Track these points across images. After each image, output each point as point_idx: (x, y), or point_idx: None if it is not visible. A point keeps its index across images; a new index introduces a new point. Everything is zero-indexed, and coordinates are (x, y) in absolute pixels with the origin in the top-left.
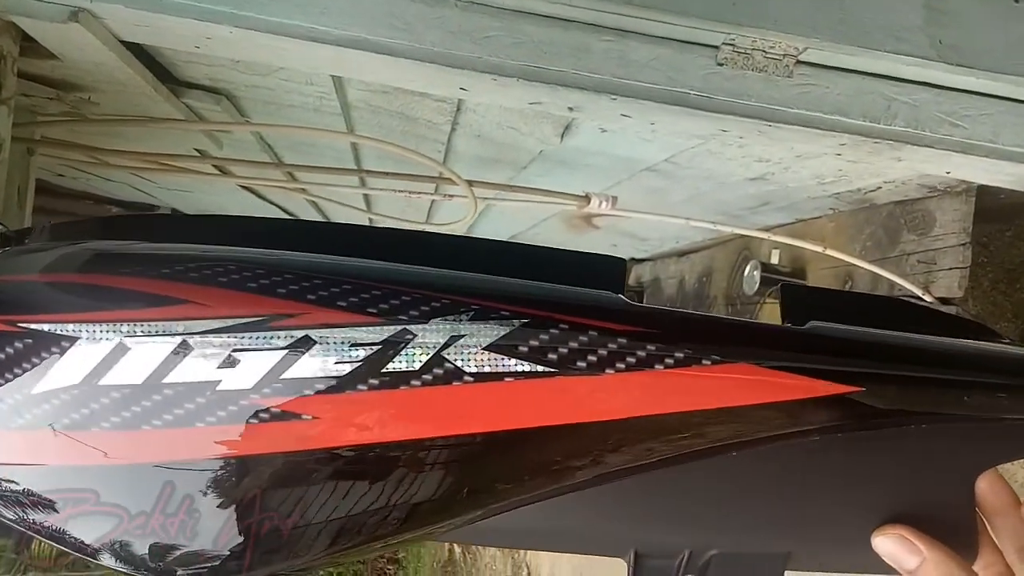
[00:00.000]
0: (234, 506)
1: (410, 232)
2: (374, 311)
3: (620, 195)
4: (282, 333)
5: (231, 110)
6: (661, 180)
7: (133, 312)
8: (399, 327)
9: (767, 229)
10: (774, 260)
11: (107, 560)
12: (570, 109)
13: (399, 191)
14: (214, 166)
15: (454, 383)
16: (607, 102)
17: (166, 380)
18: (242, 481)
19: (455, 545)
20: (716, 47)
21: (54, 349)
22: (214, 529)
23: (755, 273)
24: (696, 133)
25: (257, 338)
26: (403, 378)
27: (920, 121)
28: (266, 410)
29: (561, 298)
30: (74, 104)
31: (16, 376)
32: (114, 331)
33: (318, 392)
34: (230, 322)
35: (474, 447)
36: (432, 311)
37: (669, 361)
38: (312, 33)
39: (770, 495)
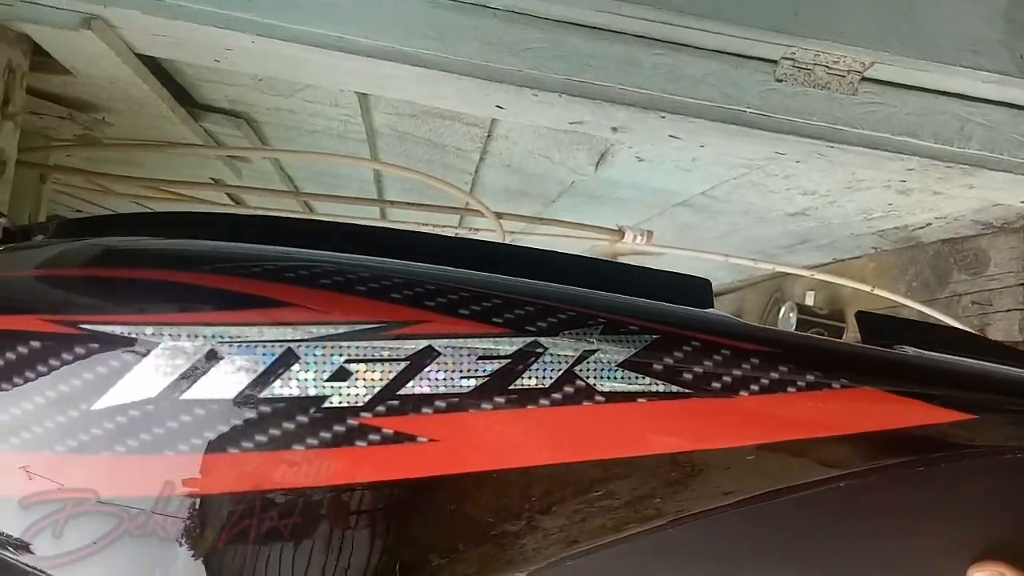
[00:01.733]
0: (332, 543)
1: (500, 244)
2: (500, 321)
3: (652, 231)
4: (401, 343)
5: (251, 136)
6: (695, 215)
7: (226, 314)
8: (529, 339)
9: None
10: (809, 301)
11: None
12: (614, 130)
13: (422, 224)
14: (228, 195)
15: (584, 403)
16: (655, 121)
17: (264, 395)
18: (344, 514)
19: None
20: (775, 61)
21: (126, 356)
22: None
23: (791, 315)
24: (749, 156)
25: (373, 348)
26: (532, 396)
27: (997, 144)
28: (378, 431)
29: (683, 315)
30: (87, 125)
31: (74, 388)
32: (202, 336)
33: (438, 411)
34: (342, 328)
35: (603, 475)
36: (560, 323)
37: (801, 384)
38: (340, 43)
39: (874, 528)
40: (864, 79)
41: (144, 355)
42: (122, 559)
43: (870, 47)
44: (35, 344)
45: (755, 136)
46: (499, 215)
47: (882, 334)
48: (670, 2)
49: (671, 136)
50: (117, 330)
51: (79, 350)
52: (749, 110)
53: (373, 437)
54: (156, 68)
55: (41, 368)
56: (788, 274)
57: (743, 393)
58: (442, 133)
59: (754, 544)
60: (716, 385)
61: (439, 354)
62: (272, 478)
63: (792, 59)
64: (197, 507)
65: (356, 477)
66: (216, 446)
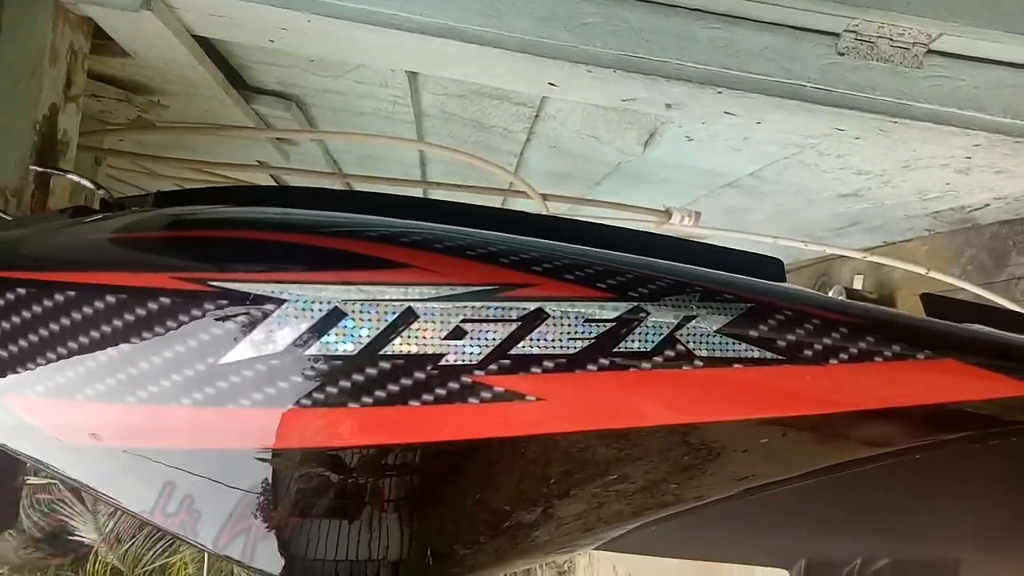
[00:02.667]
0: (436, 497)
1: (576, 220)
2: (604, 286)
3: (699, 212)
4: (514, 304)
5: (300, 118)
6: (743, 197)
7: (350, 274)
8: (633, 304)
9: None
10: (857, 285)
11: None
12: (668, 107)
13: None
14: (272, 177)
15: (684, 367)
16: (711, 97)
17: (384, 351)
18: (454, 470)
19: None
20: (836, 34)
21: (253, 312)
22: (409, 521)
23: (840, 299)
24: (807, 133)
25: (488, 308)
26: (634, 359)
27: None
28: (489, 389)
29: (771, 287)
30: (143, 107)
31: (201, 343)
32: (330, 293)
33: (546, 371)
34: (459, 290)
35: (698, 437)
36: (660, 289)
37: (887, 354)
38: (395, 20)
39: (950, 500)
40: (930, 51)
41: (271, 312)
42: (244, 509)
43: (937, 18)
44: (164, 301)
45: (814, 111)
46: (544, 196)
47: (947, 315)
48: None
49: (726, 113)
50: (245, 288)
51: (207, 306)
52: (809, 85)
53: (484, 395)
54: (209, 50)
55: (170, 324)
56: (835, 257)
57: (833, 361)
58: (490, 113)
59: (830, 513)
60: (808, 353)
61: (548, 316)
62: (389, 433)
63: (855, 31)
64: (316, 460)
65: (468, 433)
66: (336, 401)
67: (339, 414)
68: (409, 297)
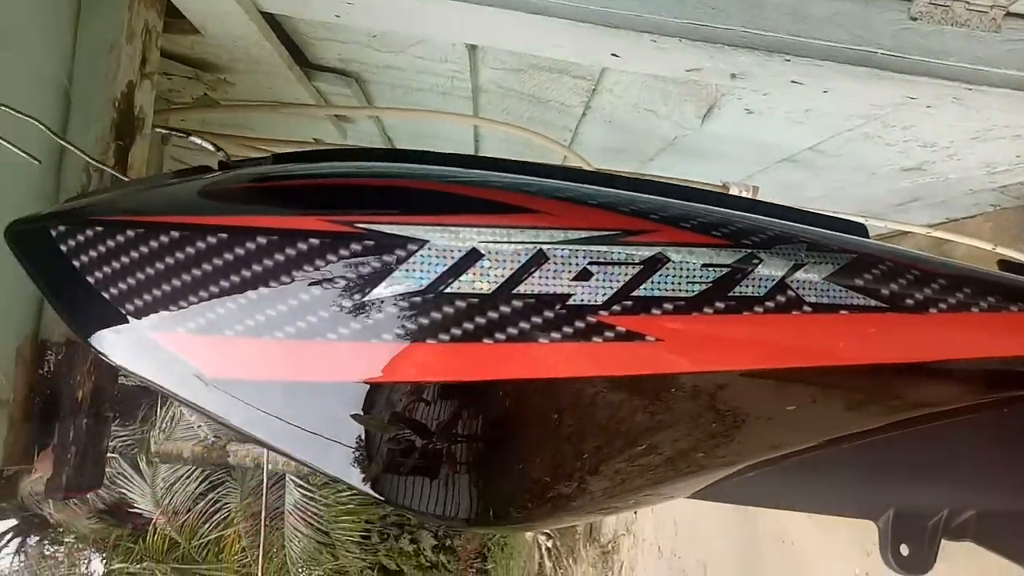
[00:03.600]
0: (564, 431)
1: (667, 183)
2: (719, 234)
3: (757, 186)
4: (637, 248)
5: (360, 95)
6: (799, 172)
7: (486, 218)
8: (747, 251)
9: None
10: None
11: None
12: (732, 76)
13: None
14: None
15: (794, 312)
16: (779, 65)
17: (517, 291)
18: (576, 405)
19: (545, 558)
20: None
21: (398, 252)
22: (535, 452)
23: (929, 255)
24: (876, 102)
25: (613, 252)
26: (747, 303)
27: None
28: (612, 328)
29: (868, 242)
30: (211, 84)
31: (347, 281)
32: (466, 235)
33: (665, 313)
34: (584, 234)
35: (803, 381)
36: (771, 239)
37: (983, 305)
38: None
39: None
40: (1009, 14)
41: (414, 252)
42: (375, 439)
43: None
44: (313, 241)
45: (885, 79)
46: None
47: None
48: None
49: (793, 82)
50: (390, 229)
51: (354, 246)
52: (880, 51)
53: (608, 334)
54: (275, 27)
55: (318, 262)
56: (894, 234)
57: (932, 311)
58: (547, 88)
59: (919, 465)
60: (909, 302)
61: (669, 260)
62: (518, 368)
63: None
64: (446, 392)
65: (592, 371)
66: (471, 337)
67: (473, 349)
68: (540, 240)
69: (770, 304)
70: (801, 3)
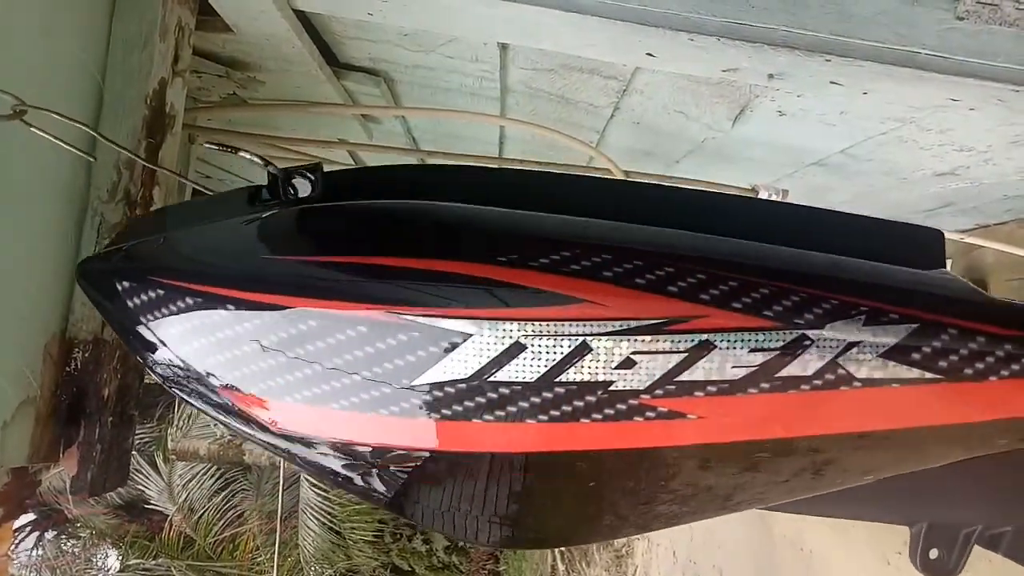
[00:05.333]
0: (607, 496)
1: (708, 193)
2: (770, 314)
3: (787, 189)
4: (682, 336)
5: (388, 95)
6: (829, 176)
7: (530, 311)
8: (798, 332)
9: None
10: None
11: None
12: (770, 77)
13: None
14: (349, 153)
15: (841, 388)
16: (819, 65)
17: (559, 379)
18: (615, 475)
19: (558, 561)
20: None
21: (442, 343)
22: (585, 520)
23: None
24: (916, 104)
25: (657, 341)
26: (794, 382)
27: None
28: (653, 409)
29: (940, 295)
30: (241, 83)
31: (400, 365)
32: (511, 329)
33: (708, 394)
34: (631, 324)
35: (841, 446)
36: (825, 313)
37: None
38: None
39: None
40: None
41: (458, 344)
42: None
43: None
44: (362, 329)
45: (928, 80)
46: (627, 173)
47: None
48: None
49: (832, 83)
50: (437, 324)
51: (401, 337)
52: (924, 52)
53: (649, 414)
54: (307, 25)
55: (368, 348)
56: None
57: (992, 379)
58: (577, 88)
59: (959, 487)
60: (968, 371)
61: (715, 347)
62: (561, 443)
63: None
64: (495, 465)
65: (631, 444)
66: (516, 417)
67: (518, 428)
68: (584, 332)
69: (817, 383)
70: (846, 2)
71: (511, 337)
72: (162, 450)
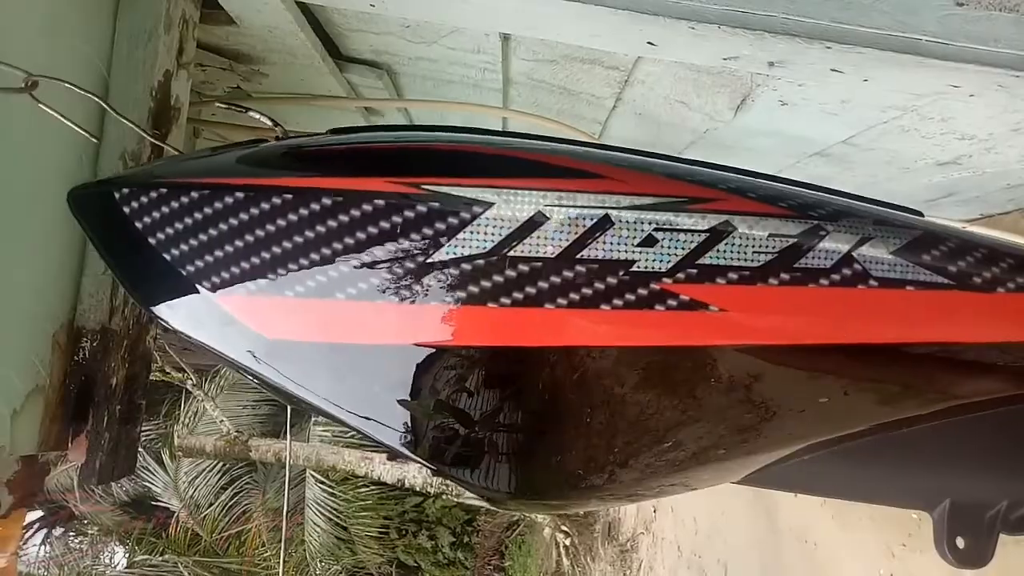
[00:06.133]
0: (625, 399)
1: (735, 168)
2: (785, 205)
3: None
4: (703, 216)
5: (390, 87)
6: (831, 166)
7: (551, 181)
8: (814, 222)
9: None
10: None
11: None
12: (770, 65)
13: None
14: None
15: (859, 286)
16: (819, 53)
17: (581, 255)
18: (644, 372)
19: (563, 556)
20: None
21: (463, 214)
22: (588, 420)
23: (993, 234)
24: (917, 91)
25: (680, 219)
26: (813, 276)
27: None
28: (676, 296)
29: (929, 222)
30: (245, 75)
31: (415, 243)
32: (532, 198)
33: (730, 282)
34: (651, 200)
35: (865, 357)
36: (837, 212)
37: None
38: None
39: None
40: None
41: (479, 214)
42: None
43: None
44: (379, 202)
45: (929, 67)
46: None
47: None
48: None
49: (833, 70)
50: (456, 191)
51: (420, 208)
52: (925, 38)
53: (671, 302)
54: (310, 18)
55: (383, 224)
56: None
57: (1000, 290)
58: (579, 79)
59: (981, 453)
60: (976, 280)
61: (735, 229)
62: (579, 335)
63: None
64: (505, 357)
65: (652, 340)
66: (534, 301)
67: (535, 314)
68: (606, 205)
69: (836, 277)
70: None
71: (533, 206)
72: (168, 446)
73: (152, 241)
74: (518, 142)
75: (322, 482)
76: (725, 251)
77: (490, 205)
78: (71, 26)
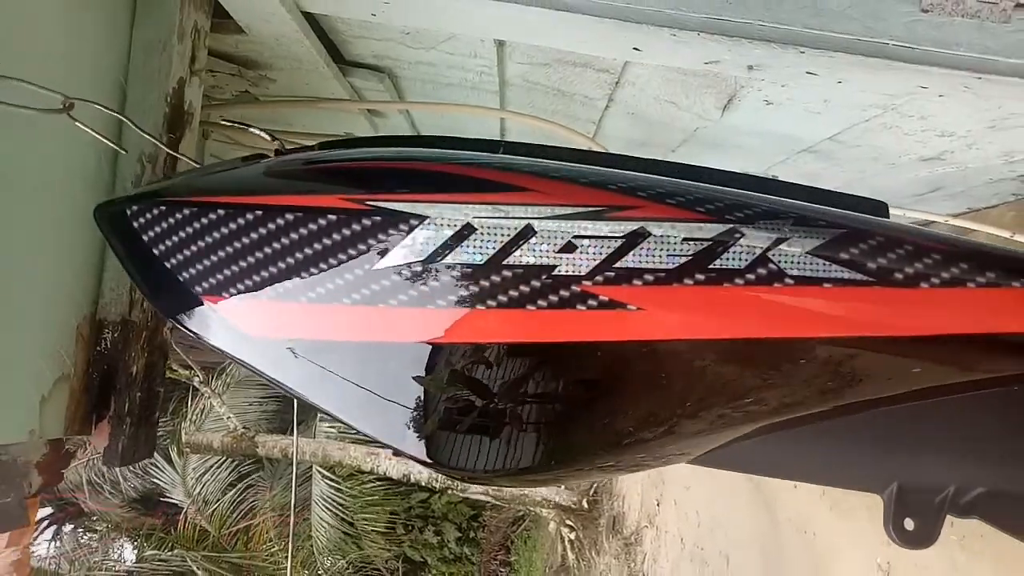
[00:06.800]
0: (545, 388)
1: (697, 166)
2: (703, 210)
3: (777, 176)
4: (619, 223)
5: (392, 90)
6: (819, 163)
7: (481, 195)
8: (729, 225)
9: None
10: None
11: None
12: (750, 68)
13: None
14: None
15: (775, 284)
16: (794, 56)
17: (507, 262)
18: (561, 367)
19: (568, 550)
20: None
21: (402, 227)
22: (523, 408)
23: (936, 231)
24: (889, 91)
25: (596, 225)
26: (728, 275)
27: None
28: (595, 297)
29: (868, 218)
30: (253, 81)
31: (359, 253)
32: (463, 212)
33: (646, 283)
34: (571, 210)
35: (784, 350)
36: (756, 214)
37: (980, 280)
38: None
39: None
40: (1019, 5)
41: (415, 227)
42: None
43: None
44: (331, 217)
45: (897, 69)
46: None
47: None
48: None
49: (808, 72)
50: (395, 206)
51: (365, 222)
52: (892, 42)
53: (591, 302)
54: (314, 25)
55: (335, 236)
56: (918, 223)
57: (924, 285)
58: (572, 81)
59: (929, 436)
60: (898, 276)
61: (650, 234)
62: (506, 332)
63: None
64: (442, 354)
65: (573, 336)
66: (466, 303)
67: (467, 314)
68: (529, 215)
69: (751, 276)
70: None
71: (463, 218)
72: (176, 443)
73: (156, 253)
74: (456, 156)
75: (328, 478)
76: (641, 255)
77: (425, 219)
78: (93, 39)
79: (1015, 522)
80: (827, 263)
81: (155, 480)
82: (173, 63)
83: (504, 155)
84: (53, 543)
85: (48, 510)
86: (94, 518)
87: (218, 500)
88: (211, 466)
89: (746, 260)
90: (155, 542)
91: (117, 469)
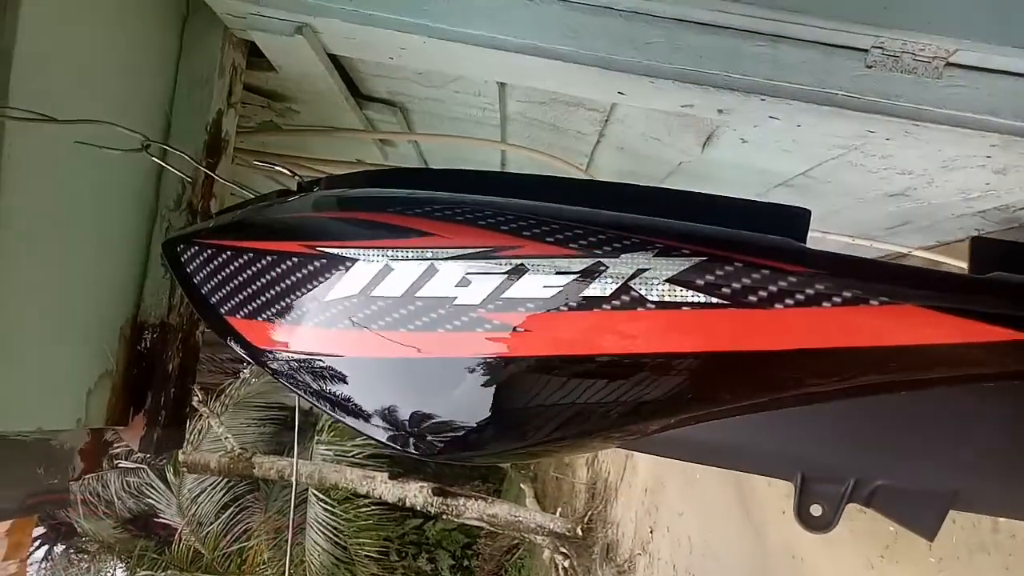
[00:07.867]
0: (456, 396)
1: (609, 183)
2: (575, 246)
3: None
4: (504, 261)
5: (403, 122)
6: (796, 195)
7: (396, 241)
8: (594, 260)
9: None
10: None
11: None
12: (720, 112)
13: None
14: None
15: (637, 308)
16: (757, 103)
17: (418, 294)
18: (466, 377)
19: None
20: (866, 50)
21: (340, 267)
22: (445, 411)
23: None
24: (842, 135)
25: (485, 264)
26: (596, 301)
27: None
28: (490, 322)
29: (741, 240)
30: (279, 112)
31: (314, 286)
32: (382, 255)
33: (529, 310)
34: (466, 251)
35: (647, 365)
36: (623, 248)
37: (837, 300)
38: (494, 41)
39: (939, 434)
40: (949, 64)
41: (350, 267)
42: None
43: (953, 35)
44: (294, 259)
45: (846, 116)
46: None
47: (984, 260)
48: (773, 0)
49: (771, 117)
50: (334, 251)
51: (315, 263)
52: (841, 93)
53: (487, 326)
54: (336, 64)
55: (298, 274)
56: (892, 255)
57: (778, 306)
58: (566, 118)
59: (833, 430)
60: (752, 298)
61: (527, 269)
62: (425, 350)
63: (881, 48)
64: (371, 368)
65: (477, 352)
66: (389, 326)
67: (394, 335)
68: (432, 257)
69: (616, 303)
70: (777, 53)
71: (383, 260)
72: (173, 462)
73: (195, 282)
74: (397, 199)
75: (324, 501)
76: (521, 286)
77: (356, 260)
78: (148, 77)
79: (907, 513)
80: (684, 289)
81: (150, 500)
82: (214, 96)
83: (430, 192)
84: (44, 563)
85: (40, 530)
86: (86, 538)
87: (212, 522)
88: (207, 487)
89: (610, 289)
90: (148, 563)
91: (112, 489)
